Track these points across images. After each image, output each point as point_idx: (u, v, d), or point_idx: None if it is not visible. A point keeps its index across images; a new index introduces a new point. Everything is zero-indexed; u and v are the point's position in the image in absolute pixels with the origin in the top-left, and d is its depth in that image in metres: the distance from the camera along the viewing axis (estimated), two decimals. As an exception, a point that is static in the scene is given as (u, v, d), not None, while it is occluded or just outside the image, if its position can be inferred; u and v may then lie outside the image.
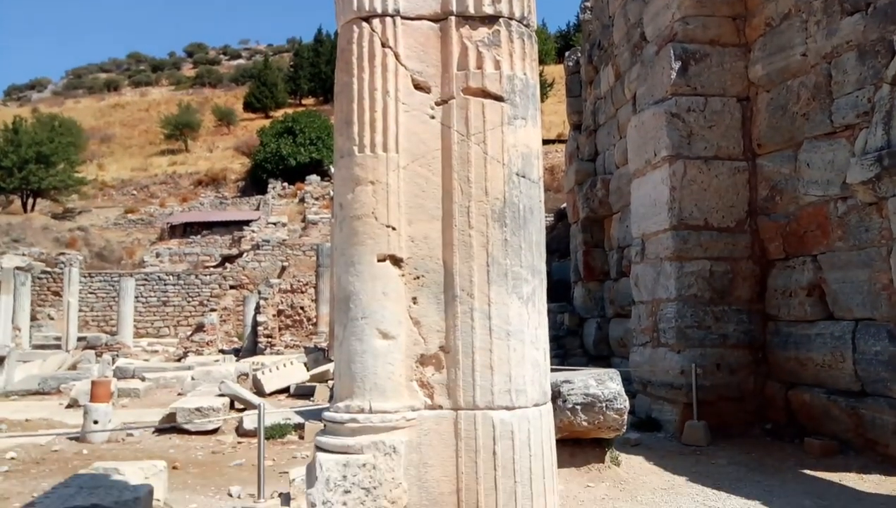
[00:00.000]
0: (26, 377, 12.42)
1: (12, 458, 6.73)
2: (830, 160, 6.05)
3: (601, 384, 5.08)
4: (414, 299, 2.75)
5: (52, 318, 20.48)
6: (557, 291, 11.81)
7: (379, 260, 2.72)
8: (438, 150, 2.80)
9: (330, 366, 11.30)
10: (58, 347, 17.24)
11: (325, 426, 2.75)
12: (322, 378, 10.96)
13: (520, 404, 2.69)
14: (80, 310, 19.20)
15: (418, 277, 2.77)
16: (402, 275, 2.75)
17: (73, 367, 14.17)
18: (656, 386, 7.10)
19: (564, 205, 13.57)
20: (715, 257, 6.93)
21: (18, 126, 31.94)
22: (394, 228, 2.74)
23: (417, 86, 2.81)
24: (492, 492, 2.60)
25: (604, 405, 4.99)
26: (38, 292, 20.15)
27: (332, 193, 19.45)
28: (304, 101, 50.94)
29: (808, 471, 5.29)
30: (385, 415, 2.62)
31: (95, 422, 7.32)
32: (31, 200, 31.90)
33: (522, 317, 2.75)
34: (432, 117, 2.83)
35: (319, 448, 2.67)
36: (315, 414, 8.09)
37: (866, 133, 5.28)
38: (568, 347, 11.29)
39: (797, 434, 6.18)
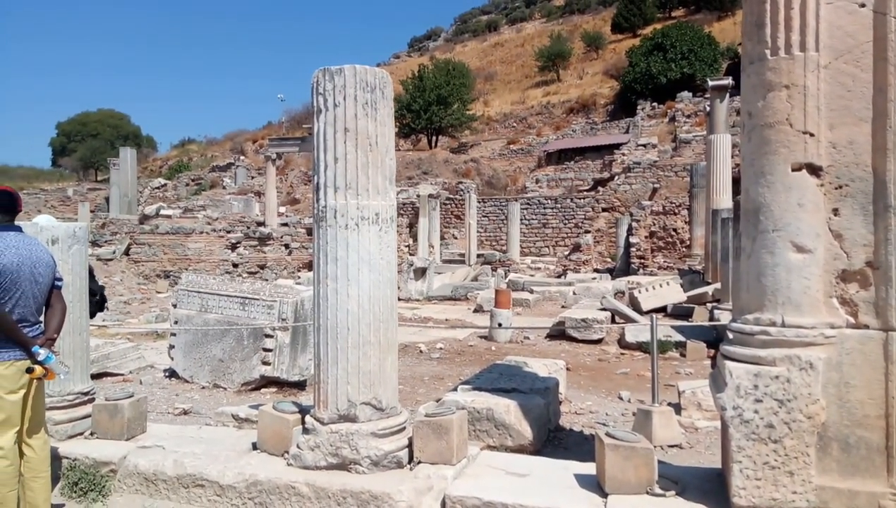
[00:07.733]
0: (441, 285, 14.94)
1: (441, 348, 8.29)
2: None
3: None
4: (835, 210, 2.56)
5: (455, 238, 23.96)
6: None
7: (793, 170, 2.59)
8: (869, 42, 2.50)
9: (708, 289, 10.97)
10: (461, 262, 20.18)
11: (731, 336, 2.79)
12: (699, 300, 10.73)
13: (974, 329, 2.34)
14: (476, 231, 21.96)
15: (840, 186, 2.56)
16: (821, 185, 2.57)
17: (475, 279, 16.48)
18: None
19: None
20: None
21: (422, 73, 37.10)
22: (811, 134, 2.57)
23: (844, -27, 2.52)
24: (931, 422, 2.36)
25: None
26: (443, 216, 23.62)
27: (706, 108, 17.98)
28: (673, 13, 48.06)
29: None
30: (800, 330, 2.54)
31: (500, 325, 8.49)
32: (434, 138, 37.12)
33: (982, 230, 2.35)
34: (862, 6, 2.53)
35: (726, 357, 2.73)
36: (695, 334, 8.05)
37: None
38: None
39: None
